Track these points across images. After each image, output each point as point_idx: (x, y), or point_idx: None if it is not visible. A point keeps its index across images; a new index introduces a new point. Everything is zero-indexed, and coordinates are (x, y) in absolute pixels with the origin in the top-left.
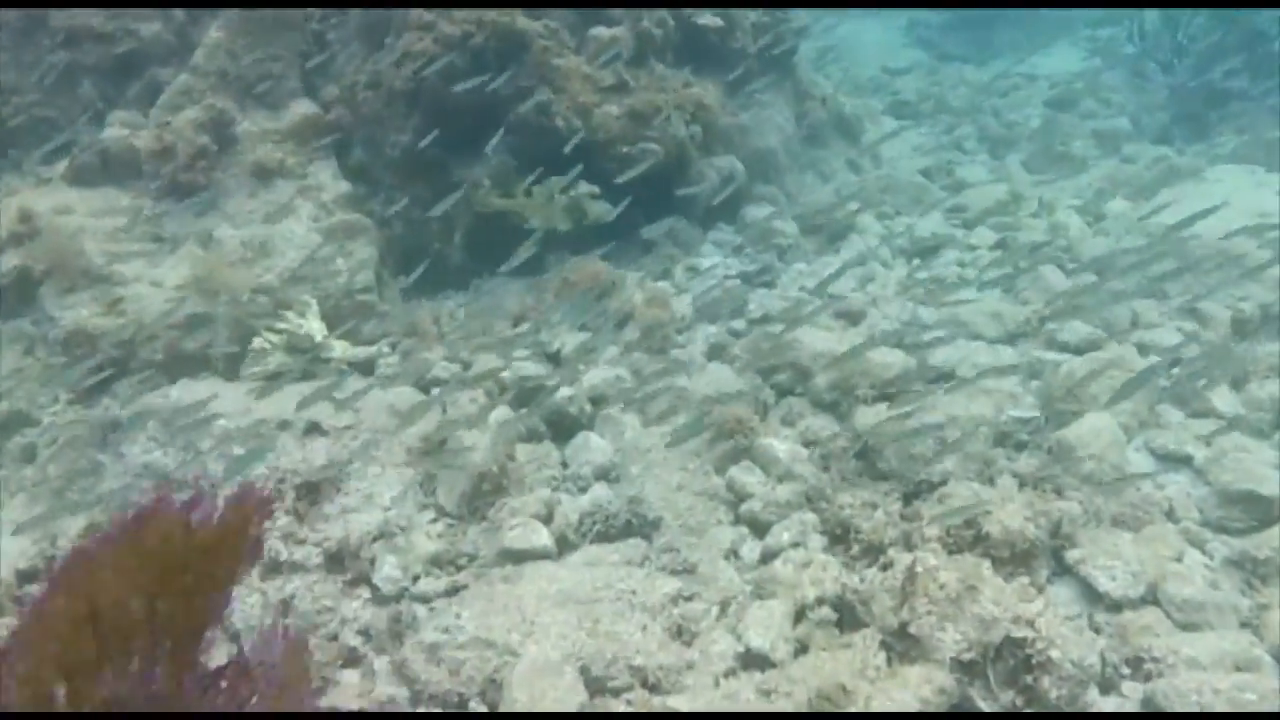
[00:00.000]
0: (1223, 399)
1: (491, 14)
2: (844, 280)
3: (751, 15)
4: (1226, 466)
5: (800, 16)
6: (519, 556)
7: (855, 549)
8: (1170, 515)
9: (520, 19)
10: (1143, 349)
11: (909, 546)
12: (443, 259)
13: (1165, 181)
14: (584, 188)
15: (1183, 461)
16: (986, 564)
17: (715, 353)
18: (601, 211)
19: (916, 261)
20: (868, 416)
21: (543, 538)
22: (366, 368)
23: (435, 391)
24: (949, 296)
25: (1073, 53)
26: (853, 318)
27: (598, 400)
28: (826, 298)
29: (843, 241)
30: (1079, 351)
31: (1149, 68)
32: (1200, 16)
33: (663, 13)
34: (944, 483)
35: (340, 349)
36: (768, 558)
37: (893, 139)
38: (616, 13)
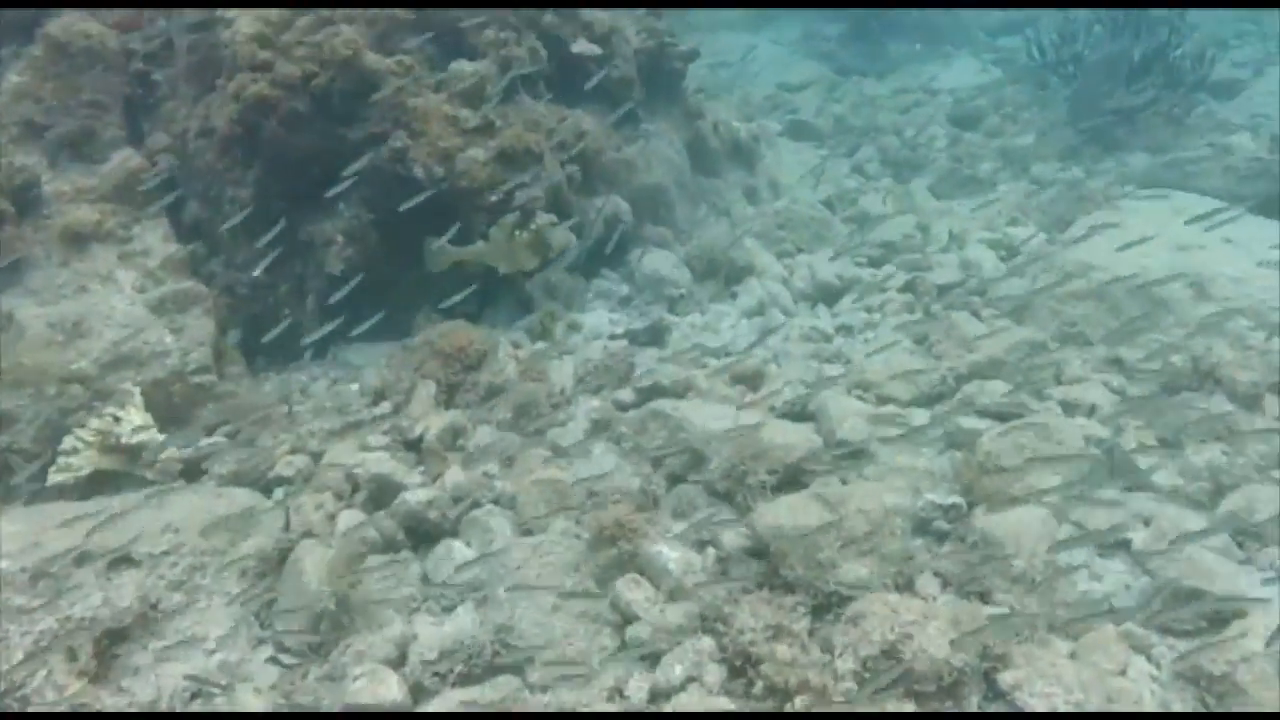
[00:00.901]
0: (1161, 467)
1: (337, 51)
2: (741, 332)
3: (634, 40)
4: (1169, 557)
5: (688, 38)
6: (364, 714)
7: (758, 687)
8: (1111, 614)
9: (369, 56)
10: (1068, 408)
11: (820, 692)
12: (295, 325)
13: (1079, 208)
14: (542, 218)
15: (1119, 546)
16: (909, 705)
17: (599, 430)
18: (565, 239)
19: (820, 307)
20: (768, 514)
21: (392, 690)
22: (197, 467)
23: (278, 493)
24: (856, 350)
25: (974, 64)
26: (752, 382)
27: (464, 500)
28: (724, 356)
29: (740, 285)
30: (1001, 417)
31: (1051, 80)
32: (1098, 25)
33: (534, 43)
34: (857, 595)
35: (165, 447)
36: (657, 697)
37: (791, 163)
38: (482, 43)
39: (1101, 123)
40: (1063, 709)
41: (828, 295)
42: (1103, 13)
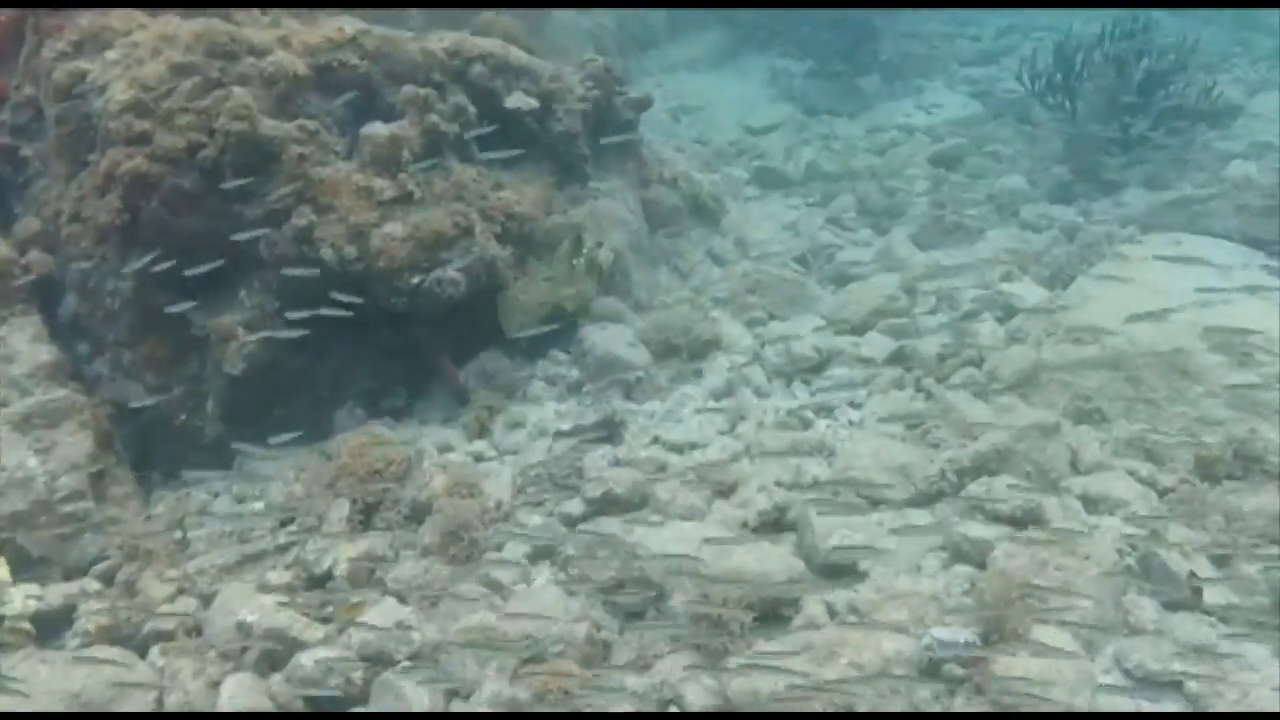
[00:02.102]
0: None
1: (228, 120)
2: (708, 419)
3: (577, 90)
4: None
5: (644, 82)
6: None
7: None
8: None
9: (266, 122)
10: (1090, 504)
11: None
12: (193, 433)
13: (1080, 259)
14: (588, 241)
15: (1169, 687)
16: None
17: (542, 555)
18: (608, 256)
19: (797, 385)
20: (741, 681)
21: None
22: (59, 621)
23: (154, 654)
24: (840, 439)
25: (951, 97)
26: (720, 486)
27: (375, 659)
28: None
29: (705, 362)
30: (1013, 522)
31: (1036, 113)
32: (1096, 53)
33: (460, 99)
34: None
35: (20, 599)
36: None
37: (759, 216)
38: (400, 101)
39: (1097, 160)
40: None
41: (805, 370)
42: (1105, 37)
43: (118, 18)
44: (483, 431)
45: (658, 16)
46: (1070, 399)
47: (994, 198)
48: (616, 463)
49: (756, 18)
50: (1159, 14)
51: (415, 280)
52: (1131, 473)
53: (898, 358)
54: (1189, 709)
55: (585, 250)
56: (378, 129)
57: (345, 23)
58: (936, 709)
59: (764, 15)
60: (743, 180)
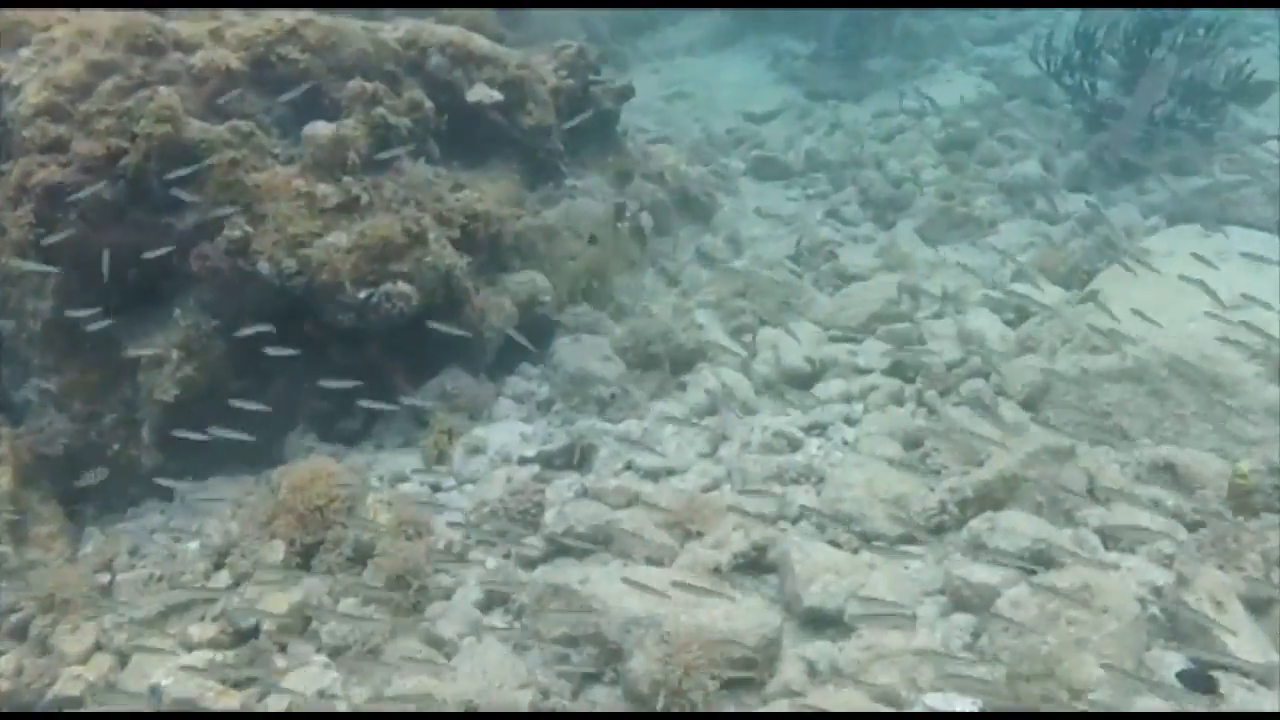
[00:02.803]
0: (1241, 631)
1: (150, 123)
2: (689, 439)
3: (549, 79)
4: None
5: (640, 68)
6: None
7: None
8: None
9: (193, 125)
10: (1109, 539)
11: None
12: (127, 464)
13: (1100, 255)
14: (630, 205)
15: None
16: None
17: (496, 602)
18: (649, 221)
19: (788, 399)
20: None
21: None
22: None
23: None
24: (831, 463)
25: (963, 79)
26: (695, 521)
27: None
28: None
29: (688, 374)
30: (1022, 563)
31: (1054, 94)
32: (1121, 29)
33: (416, 93)
34: None
35: None
36: None
37: (755, 210)
38: (346, 97)
39: (1117, 145)
40: None
41: (797, 383)
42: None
43: (37, 12)
44: (441, 458)
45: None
46: (1087, 415)
47: (1007, 186)
48: (584, 493)
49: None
50: None
51: (362, 295)
52: (1156, 503)
53: (898, 368)
54: None
55: (628, 215)
56: (320, 129)
57: (287, 12)
58: None
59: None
60: (739, 171)
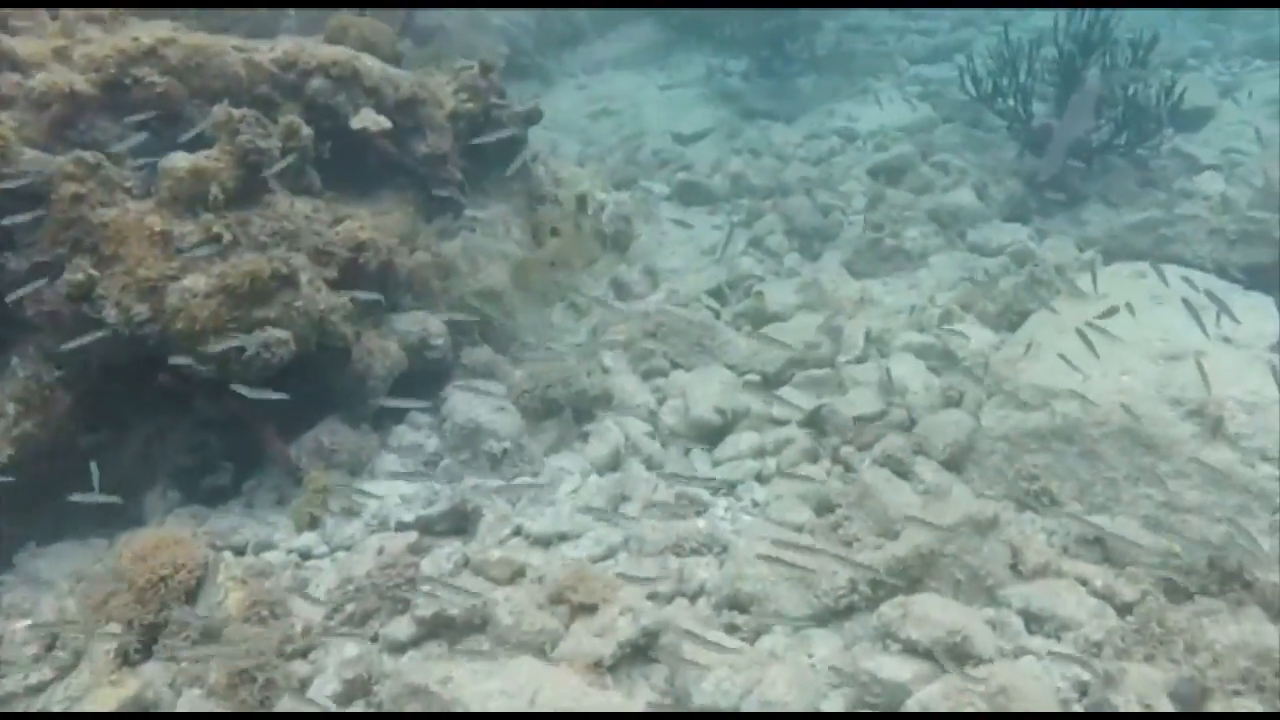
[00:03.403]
0: None
1: None
2: (587, 496)
3: (448, 103)
4: None
5: (564, 84)
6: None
7: None
8: None
9: (28, 153)
10: (1032, 621)
11: None
12: None
13: (1032, 294)
14: (591, 204)
15: None
16: None
17: (356, 692)
18: (613, 225)
19: (696, 453)
20: None
21: None
22: None
23: None
24: (736, 529)
25: (899, 100)
26: (581, 599)
27: None
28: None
29: (591, 424)
30: (935, 655)
31: (989, 117)
32: (1046, 51)
33: (293, 119)
34: None
35: None
36: None
37: (676, 239)
38: (211, 124)
39: (1058, 173)
40: None
41: (707, 435)
42: (1056, 31)
43: None
44: (313, 522)
45: (582, 9)
46: (1014, 478)
47: (939, 216)
48: (465, 564)
49: (692, 9)
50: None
51: (222, 345)
52: (1084, 582)
53: (815, 419)
54: None
55: (590, 212)
56: (178, 160)
57: (146, 29)
58: None
59: (699, 7)
60: (662, 196)
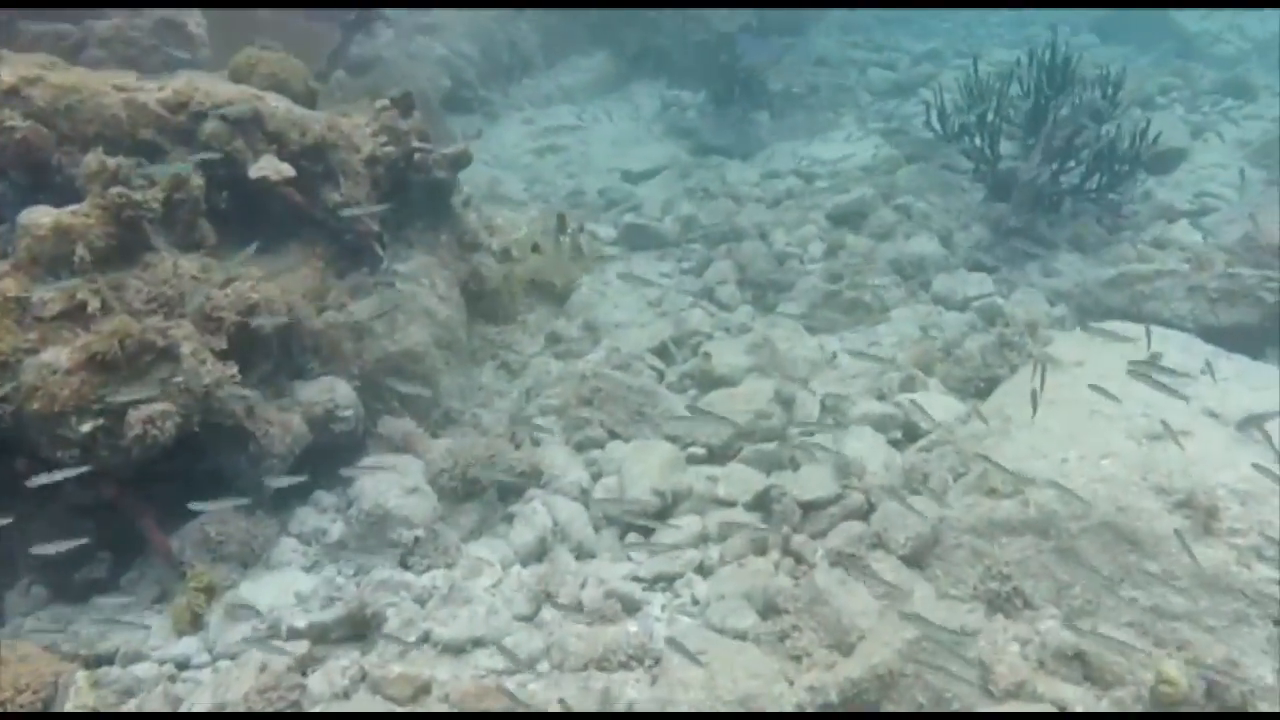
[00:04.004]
0: None
1: None
2: (509, 594)
3: (366, 147)
4: None
5: (509, 117)
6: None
7: None
8: None
9: None
10: None
11: None
12: None
13: (1001, 358)
14: (572, 221)
15: None
16: None
17: None
18: (593, 245)
19: (632, 539)
20: None
21: None
22: None
23: None
24: (673, 636)
25: (860, 137)
26: None
27: None
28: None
29: (518, 504)
30: None
31: (954, 158)
32: (1013, 89)
33: (180, 169)
34: None
35: None
36: None
37: (620, 289)
38: (83, 175)
39: (1020, 217)
40: None
41: (645, 518)
42: (1024, 69)
43: None
44: (195, 623)
45: (531, 39)
46: (983, 575)
47: (901, 265)
48: (362, 679)
49: (646, 38)
50: (1088, 39)
51: (87, 427)
52: (1061, 706)
53: (763, 501)
54: None
55: (570, 230)
56: (38, 216)
57: (8, 68)
58: None
59: (655, 36)
60: (608, 240)
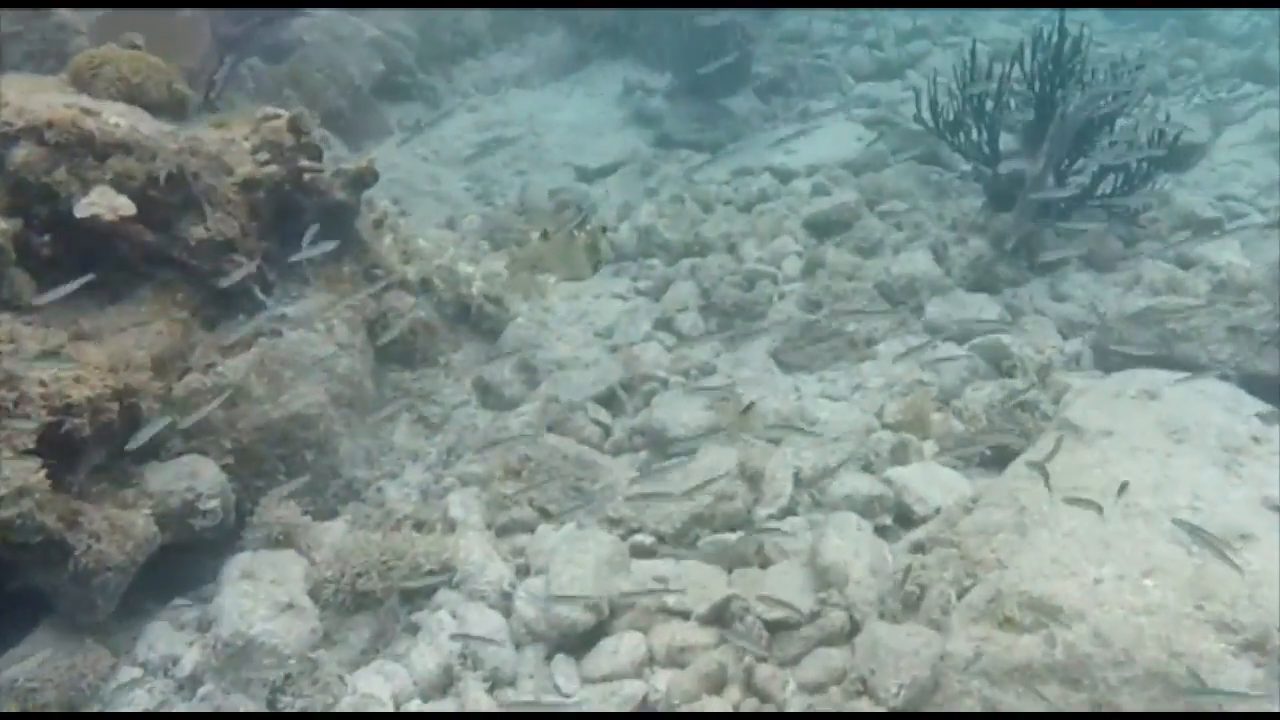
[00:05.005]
0: None
1: None
2: None
3: (244, 167)
4: None
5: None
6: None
7: None
8: None
9: None
10: None
11: None
12: None
13: (1009, 420)
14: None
15: None
16: None
17: None
18: (608, 248)
19: (560, 662)
20: None
21: None
22: None
23: None
24: None
25: (843, 127)
26: None
27: None
28: None
29: (425, 611)
30: None
31: (946, 153)
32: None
33: None
34: None
35: None
36: None
37: (566, 316)
38: None
39: (1028, 225)
40: None
41: (577, 636)
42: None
43: None
44: None
45: (478, 17)
46: None
47: (889, 288)
48: None
49: (606, 17)
50: (1093, 13)
51: None
52: None
53: (722, 614)
54: None
55: (588, 226)
56: None
57: None
58: None
59: (617, 14)
60: None
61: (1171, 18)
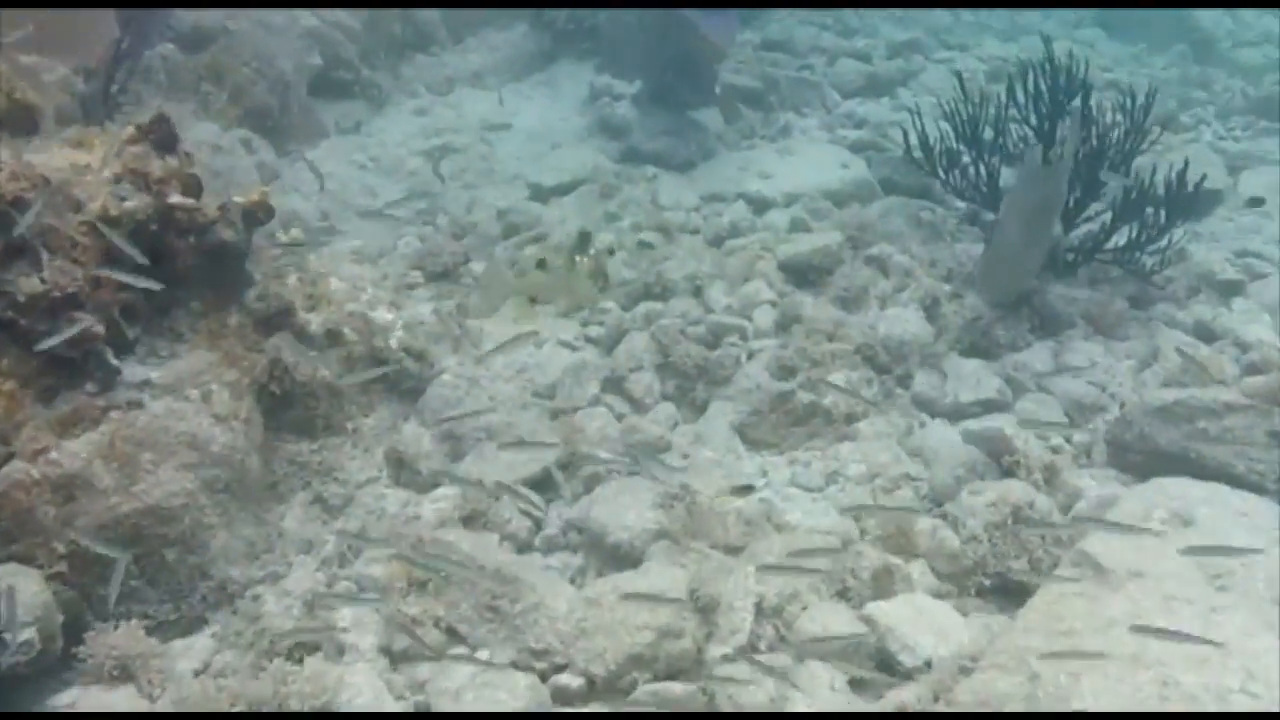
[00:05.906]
0: None
1: None
2: None
3: (96, 201)
4: None
5: (376, 117)
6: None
7: None
8: None
9: None
10: None
11: None
12: None
13: (1016, 550)
14: (596, 242)
15: None
16: None
17: None
18: (618, 271)
19: None
20: None
21: None
22: None
23: None
24: None
25: (826, 150)
26: None
27: None
28: None
29: None
30: None
31: (938, 189)
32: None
33: None
34: None
35: None
36: None
37: (502, 369)
38: None
39: (1028, 279)
40: None
41: None
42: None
43: None
44: None
45: (431, 8)
46: None
47: (873, 353)
48: None
49: (576, 13)
50: (1093, 32)
51: None
52: None
53: None
54: None
55: (592, 250)
56: None
57: None
58: None
59: (586, 11)
60: (500, 294)
61: (1180, 43)
